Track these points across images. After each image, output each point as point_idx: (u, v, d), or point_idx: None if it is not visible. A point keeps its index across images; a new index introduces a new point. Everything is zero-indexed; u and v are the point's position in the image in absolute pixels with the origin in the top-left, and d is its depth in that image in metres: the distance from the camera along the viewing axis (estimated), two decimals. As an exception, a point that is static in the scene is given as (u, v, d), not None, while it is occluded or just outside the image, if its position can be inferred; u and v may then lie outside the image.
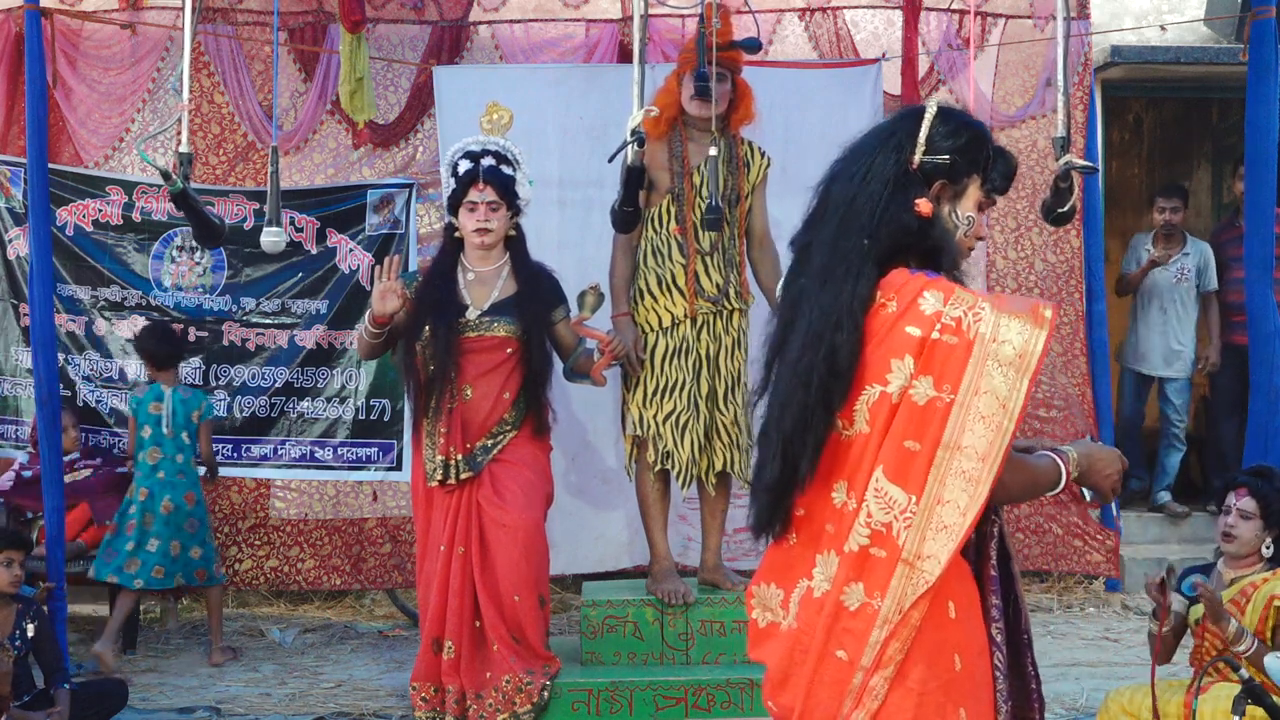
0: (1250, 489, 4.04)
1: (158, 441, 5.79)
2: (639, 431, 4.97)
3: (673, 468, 4.93)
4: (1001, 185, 2.48)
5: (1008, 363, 2.24)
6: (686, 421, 4.91)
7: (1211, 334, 7.33)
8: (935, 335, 2.25)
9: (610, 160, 4.62)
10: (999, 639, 2.39)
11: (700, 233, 4.95)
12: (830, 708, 2.33)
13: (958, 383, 2.24)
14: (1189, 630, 4.05)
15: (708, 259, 4.97)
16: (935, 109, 2.43)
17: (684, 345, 4.95)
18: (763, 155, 5.13)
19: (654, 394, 4.93)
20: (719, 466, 5.00)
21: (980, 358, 2.24)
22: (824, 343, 2.32)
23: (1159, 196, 7.48)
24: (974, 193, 2.44)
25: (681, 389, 4.93)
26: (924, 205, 2.37)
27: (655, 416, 4.92)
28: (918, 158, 2.39)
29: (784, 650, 2.39)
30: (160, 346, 5.95)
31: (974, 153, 2.43)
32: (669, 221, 4.98)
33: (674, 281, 4.96)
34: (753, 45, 5.11)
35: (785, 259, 5.28)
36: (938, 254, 2.39)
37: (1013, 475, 2.31)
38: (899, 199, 2.36)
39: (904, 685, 2.31)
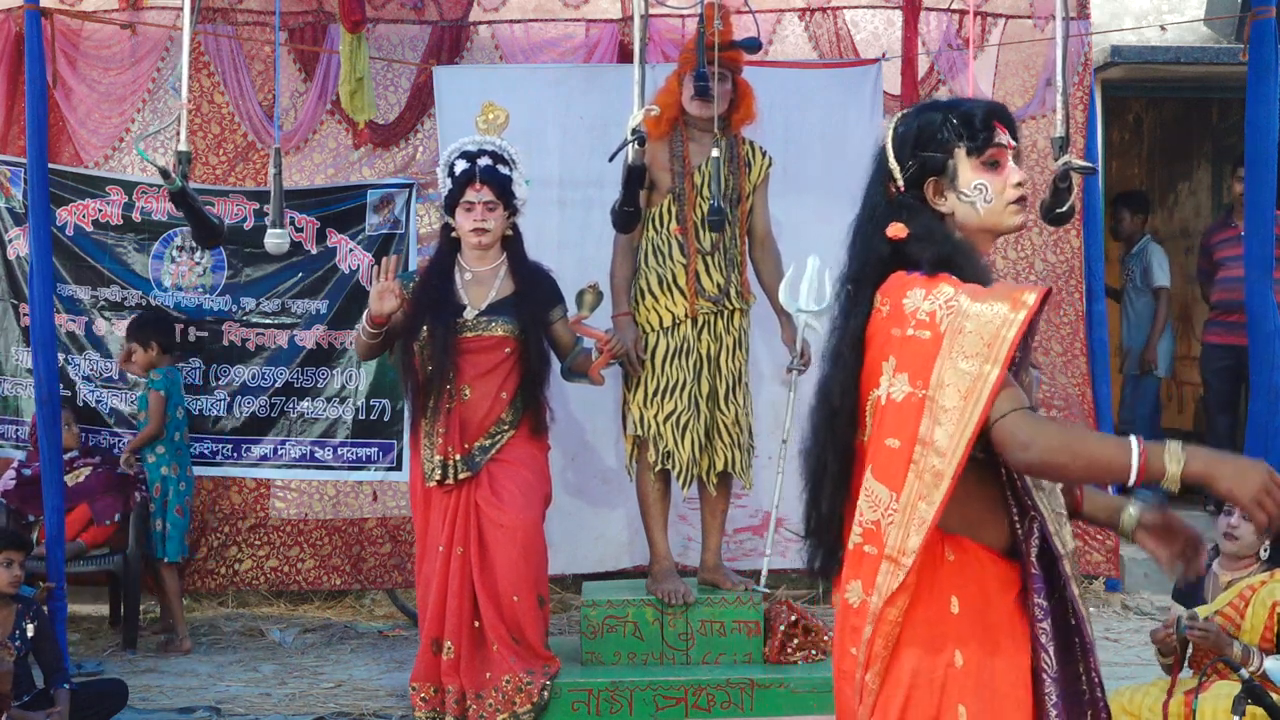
0: None
1: (179, 424, 6.08)
2: (639, 431, 4.96)
3: (673, 468, 4.93)
4: (983, 134, 2.40)
5: (974, 353, 2.20)
6: (687, 421, 4.91)
7: (1154, 330, 7.73)
8: (910, 331, 2.26)
9: (611, 159, 4.62)
10: (1044, 639, 2.32)
11: (701, 232, 4.95)
12: (851, 704, 2.38)
13: (929, 377, 2.23)
14: (1190, 641, 4.04)
15: (708, 259, 4.98)
16: (890, 127, 2.48)
17: (684, 345, 4.95)
18: (764, 155, 5.14)
19: (654, 394, 4.93)
20: (720, 466, 5.00)
21: (948, 350, 2.22)
22: (823, 388, 2.43)
23: (1117, 204, 8.01)
24: (965, 164, 2.40)
25: (682, 389, 4.93)
26: (892, 230, 2.39)
27: (656, 416, 4.92)
28: (900, 180, 2.43)
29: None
30: (168, 332, 6.20)
31: (935, 134, 2.42)
32: (670, 221, 4.99)
33: (674, 281, 4.96)
34: (753, 45, 5.11)
35: (787, 258, 5.33)
36: (947, 263, 2.36)
37: (1052, 440, 2.18)
38: (878, 234, 2.41)
39: (893, 679, 2.32)
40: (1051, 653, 2.32)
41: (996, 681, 2.32)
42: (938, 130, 2.42)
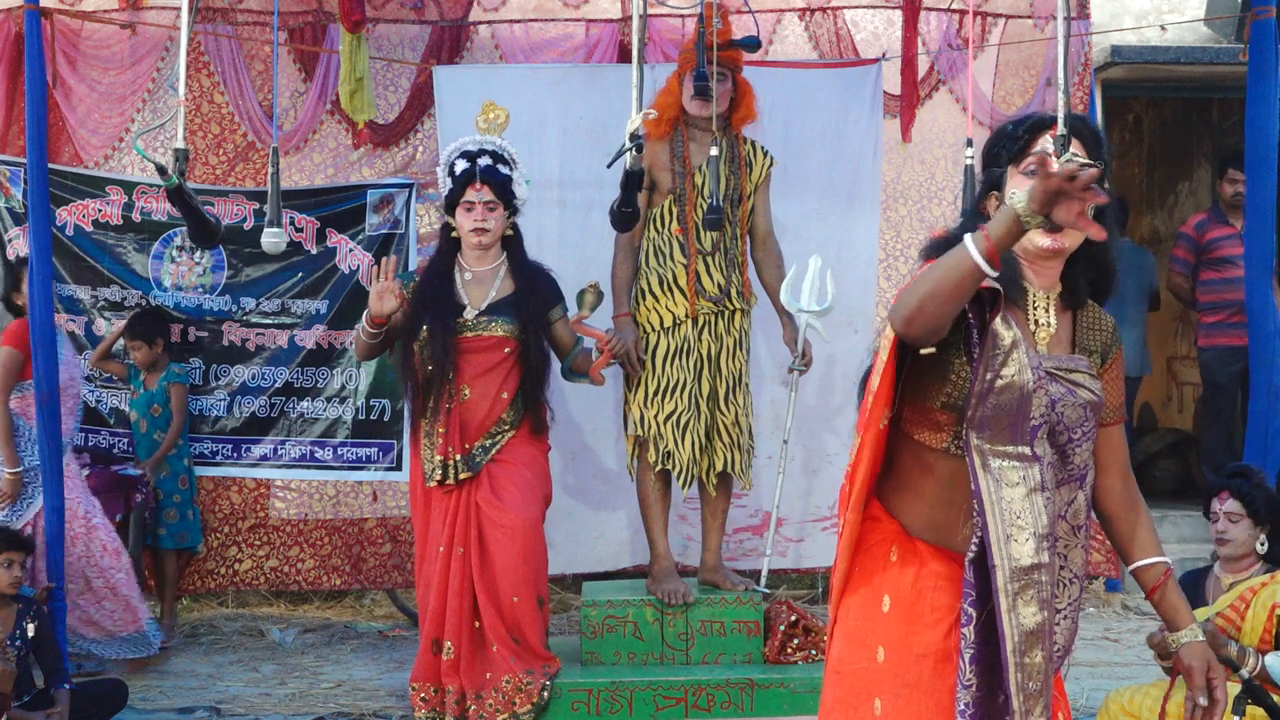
0: (1231, 490, 4.06)
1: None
2: (640, 431, 4.96)
3: (673, 468, 4.93)
4: (1022, 140, 2.43)
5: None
6: (687, 422, 4.91)
7: None
8: None
9: (609, 165, 4.63)
10: (962, 645, 2.31)
11: (701, 233, 4.95)
12: None
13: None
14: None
15: (709, 259, 4.97)
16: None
17: (685, 345, 4.95)
18: (765, 154, 5.14)
19: (655, 394, 4.93)
20: (719, 467, 4.99)
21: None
22: None
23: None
24: (1010, 176, 2.45)
25: (682, 389, 4.92)
26: (933, 233, 2.49)
27: (656, 416, 4.92)
28: (984, 198, 2.50)
29: None
30: (168, 329, 6.28)
31: (993, 149, 2.48)
32: (670, 222, 4.99)
33: (675, 282, 4.96)
34: (752, 44, 5.11)
35: (788, 258, 5.31)
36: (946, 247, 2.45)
37: (911, 294, 2.22)
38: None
39: (831, 666, 2.47)
40: (967, 660, 2.31)
41: (923, 680, 2.35)
42: (995, 145, 2.48)
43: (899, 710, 2.34)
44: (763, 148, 5.14)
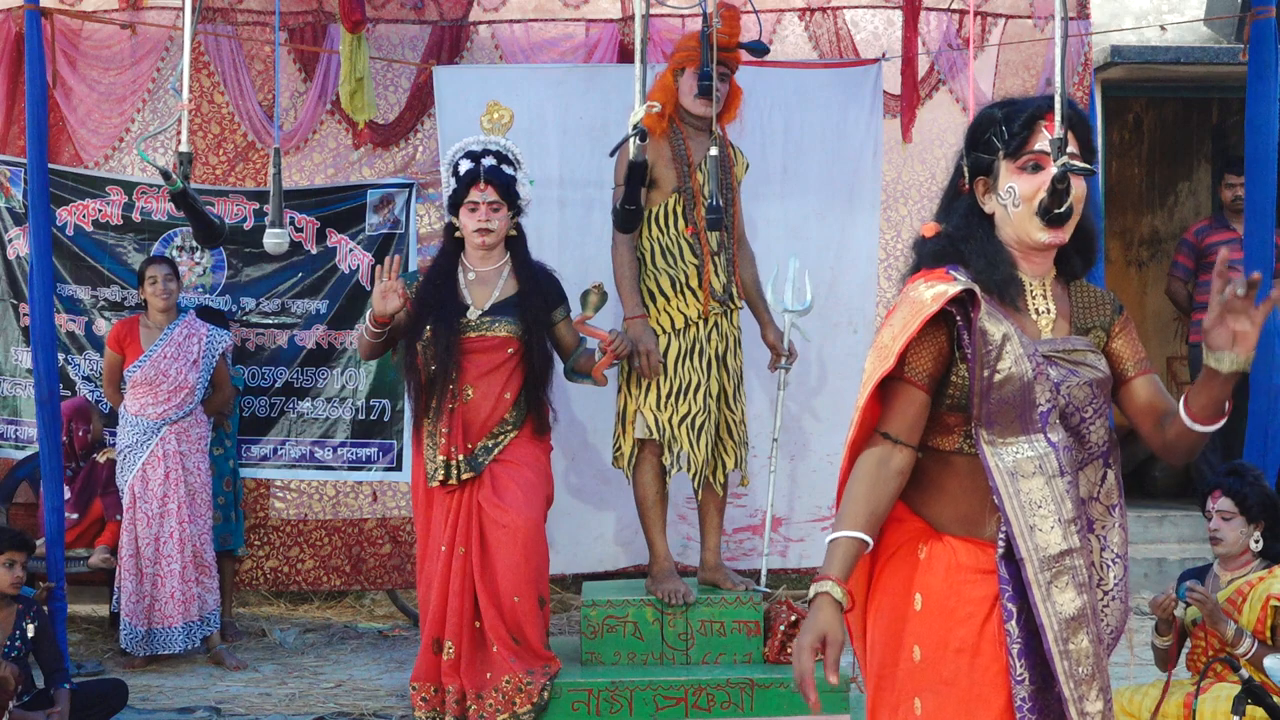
0: (1224, 489, 4.08)
1: None
2: (655, 435, 4.91)
3: (688, 469, 4.91)
4: (1019, 135, 2.37)
5: (885, 341, 2.33)
6: (702, 423, 4.89)
7: None
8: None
9: (612, 154, 4.60)
10: (1009, 641, 2.32)
11: (708, 232, 4.93)
12: None
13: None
14: (1188, 633, 4.06)
15: (716, 258, 4.97)
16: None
17: (696, 346, 4.93)
18: (743, 154, 5.17)
19: (668, 397, 4.89)
20: (730, 465, 4.99)
21: (884, 323, 2.38)
22: None
23: None
24: (1004, 165, 2.40)
25: (696, 390, 4.90)
26: (924, 228, 2.46)
27: (671, 419, 4.88)
28: (966, 177, 2.46)
29: None
30: None
31: (984, 133, 2.43)
32: (676, 221, 4.94)
33: (688, 283, 4.93)
34: (759, 49, 5.09)
35: (786, 258, 5.29)
36: (946, 255, 2.42)
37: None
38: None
39: (871, 670, 2.45)
40: (1015, 655, 2.32)
41: (960, 675, 2.34)
42: (987, 130, 2.42)
43: (938, 707, 2.34)
44: (739, 147, 5.17)
